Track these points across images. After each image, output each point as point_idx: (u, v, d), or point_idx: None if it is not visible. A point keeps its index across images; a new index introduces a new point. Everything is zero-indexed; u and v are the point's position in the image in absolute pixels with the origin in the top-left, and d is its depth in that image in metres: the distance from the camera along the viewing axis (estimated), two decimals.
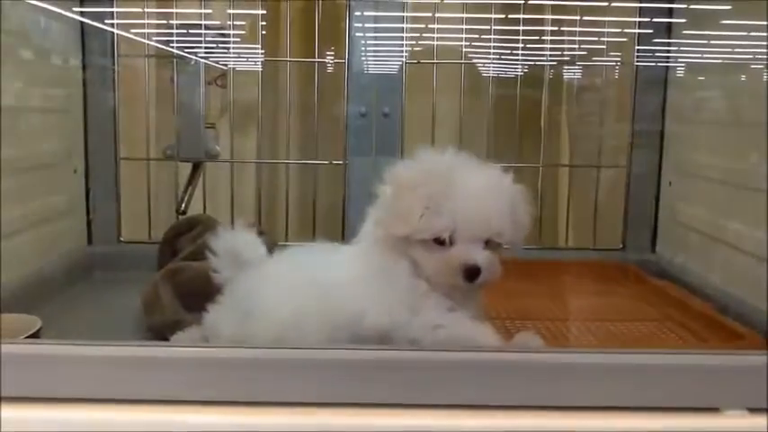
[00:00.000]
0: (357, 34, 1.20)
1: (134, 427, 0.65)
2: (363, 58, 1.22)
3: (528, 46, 1.29)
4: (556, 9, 1.33)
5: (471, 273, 0.74)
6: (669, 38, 1.25)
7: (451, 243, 0.74)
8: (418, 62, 1.26)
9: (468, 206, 0.74)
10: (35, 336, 0.83)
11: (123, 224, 1.31)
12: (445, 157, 0.78)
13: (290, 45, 1.33)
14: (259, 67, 1.32)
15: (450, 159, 0.78)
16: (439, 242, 0.75)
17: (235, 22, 1.27)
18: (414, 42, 1.25)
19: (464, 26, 1.25)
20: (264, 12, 1.30)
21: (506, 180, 0.78)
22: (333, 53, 1.31)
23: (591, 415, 0.65)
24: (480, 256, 0.74)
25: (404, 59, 1.22)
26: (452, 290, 0.76)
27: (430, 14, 1.23)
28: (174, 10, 1.24)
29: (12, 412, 0.64)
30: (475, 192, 0.75)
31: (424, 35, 1.25)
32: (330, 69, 1.32)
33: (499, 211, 0.75)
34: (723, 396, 0.65)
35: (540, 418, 0.65)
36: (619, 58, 1.31)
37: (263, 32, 1.31)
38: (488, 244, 0.75)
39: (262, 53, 1.31)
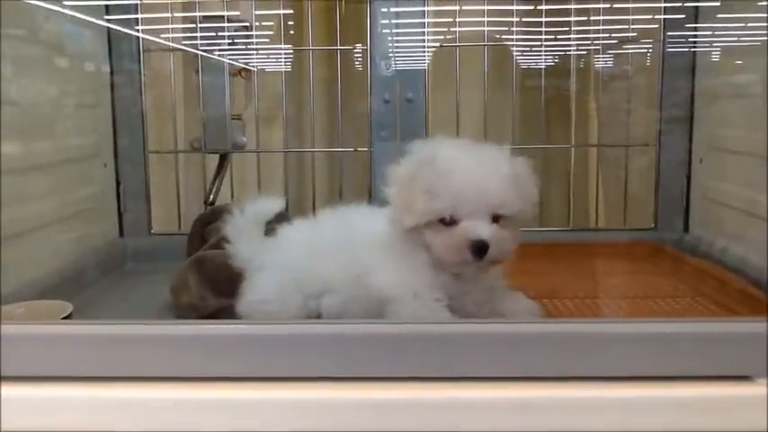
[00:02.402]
0: (381, 21, 1.20)
1: (160, 404, 0.66)
2: (386, 45, 1.22)
3: (556, 36, 1.27)
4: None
5: (478, 248, 0.75)
6: (696, 22, 1.23)
7: (457, 222, 0.76)
8: (441, 46, 1.25)
9: (464, 183, 0.75)
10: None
11: (153, 216, 1.33)
12: (435, 143, 0.80)
13: (312, 35, 1.33)
14: (283, 67, 1.33)
15: (441, 144, 0.80)
16: (446, 223, 0.76)
17: (261, 23, 1.28)
18: (437, 30, 1.24)
19: (486, 7, 1.24)
20: (291, 11, 1.31)
21: (504, 155, 0.78)
22: (355, 44, 1.31)
23: (621, 385, 0.64)
24: (486, 232, 0.75)
25: (425, 44, 1.21)
26: (465, 272, 0.78)
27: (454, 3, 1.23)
28: (198, 13, 1.25)
29: (38, 391, 0.66)
30: (469, 169, 0.76)
31: (447, 21, 1.24)
32: (356, 57, 1.32)
33: (497, 185, 0.76)
34: (754, 365, 0.63)
35: (561, 389, 0.64)
36: (649, 44, 1.29)
37: (291, 32, 1.32)
38: (498, 221, 0.76)
39: (286, 49, 1.32)
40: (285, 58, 1.34)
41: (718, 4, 1.20)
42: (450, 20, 1.24)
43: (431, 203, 0.75)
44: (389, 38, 1.20)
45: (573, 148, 1.41)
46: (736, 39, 1.16)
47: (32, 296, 0.94)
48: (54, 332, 0.68)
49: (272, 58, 1.34)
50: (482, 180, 0.76)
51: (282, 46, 1.33)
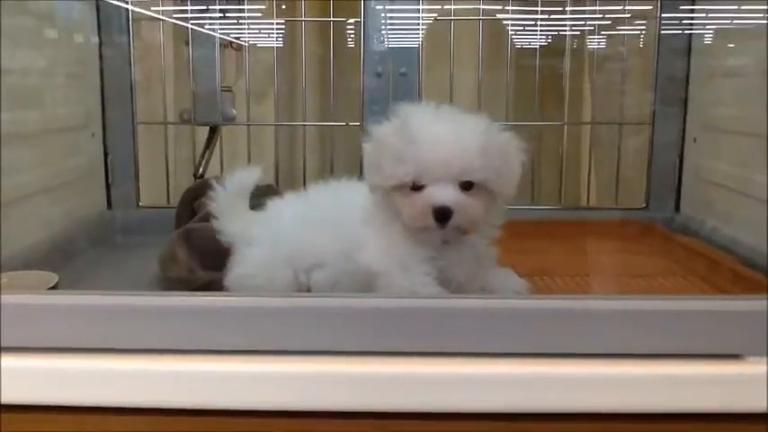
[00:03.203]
0: None
1: (148, 376, 0.65)
2: (380, 17, 1.20)
3: (550, 15, 1.26)
4: None
5: (440, 214, 0.74)
6: (693, 3, 1.22)
7: (423, 188, 0.75)
8: (435, 19, 1.24)
9: (429, 149, 0.75)
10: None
11: (142, 189, 1.31)
12: (414, 109, 0.79)
13: (305, 7, 1.31)
14: (275, 42, 1.32)
15: (417, 109, 0.79)
16: (414, 188, 0.75)
17: None
18: (431, 7, 1.23)
19: None
20: None
21: (480, 125, 0.77)
22: (348, 17, 1.29)
23: (612, 362, 0.64)
24: (448, 197, 0.74)
25: (420, 17, 1.20)
26: (432, 238, 0.78)
27: None
28: None
29: (24, 361, 0.65)
30: (436, 136, 0.76)
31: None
32: (348, 32, 1.30)
33: (463, 152, 0.74)
34: (745, 343, 0.63)
35: (551, 366, 0.64)
36: (643, 25, 1.28)
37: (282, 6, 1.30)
38: (469, 188, 0.75)
39: (279, 22, 1.30)
40: (277, 32, 1.32)
41: None
42: None
43: (396, 168, 0.75)
44: (382, 11, 1.18)
45: (565, 126, 1.40)
46: (729, 21, 1.16)
47: (17, 268, 0.93)
48: (39, 302, 0.67)
49: (263, 33, 1.32)
50: (448, 147, 0.75)
51: (274, 19, 1.31)
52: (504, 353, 0.65)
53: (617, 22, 1.29)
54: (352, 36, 1.31)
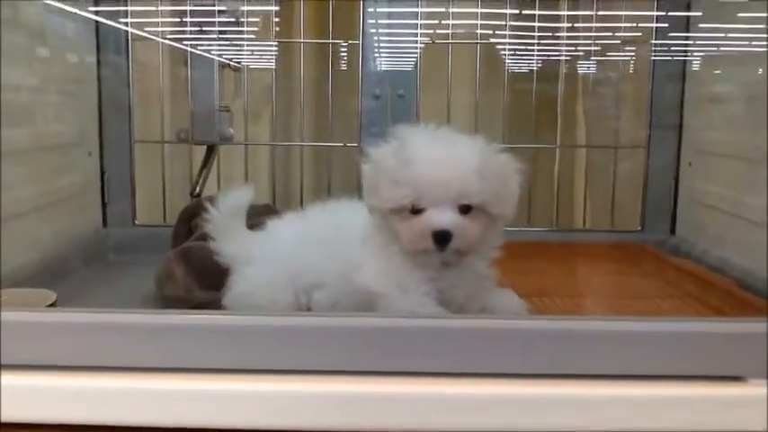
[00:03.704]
0: (370, 21, 1.19)
1: (147, 395, 0.65)
2: (377, 40, 1.21)
3: (539, 42, 1.28)
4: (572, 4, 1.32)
5: (439, 237, 0.74)
6: (687, 31, 1.24)
7: (422, 211, 0.75)
8: (433, 42, 1.25)
9: (426, 173, 0.75)
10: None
11: (138, 207, 1.31)
12: (413, 131, 0.79)
13: (304, 29, 1.32)
14: (273, 63, 1.33)
15: (414, 131, 0.79)
16: (413, 212, 0.75)
17: (248, 19, 1.26)
18: (428, 28, 1.24)
19: (478, 10, 1.24)
20: (277, 8, 1.30)
21: (476, 147, 0.77)
22: (346, 39, 1.30)
23: (614, 383, 0.64)
24: (448, 221, 0.74)
25: (419, 40, 1.21)
26: (431, 260, 0.77)
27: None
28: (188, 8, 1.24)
29: (23, 379, 0.64)
30: (433, 159, 0.76)
31: (440, 13, 1.24)
32: (342, 55, 1.31)
33: (460, 175, 0.74)
34: (748, 365, 0.64)
35: (553, 386, 0.64)
36: (632, 53, 1.30)
37: (277, 28, 1.31)
38: (467, 211, 0.75)
39: (276, 43, 1.31)
40: (274, 53, 1.33)
41: (700, 14, 1.21)
42: (443, 11, 1.24)
43: (394, 191, 0.75)
44: (375, 35, 1.19)
45: (557, 150, 1.42)
46: (718, 48, 1.18)
47: (11, 285, 0.92)
48: (39, 320, 0.67)
49: (259, 54, 1.33)
50: (445, 170, 0.75)
51: (272, 41, 1.32)
52: (505, 373, 0.65)
53: (609, 48, 1.31)
54: (345, 59, 1.32)
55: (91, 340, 0.65)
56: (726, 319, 0.86)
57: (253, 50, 1.32)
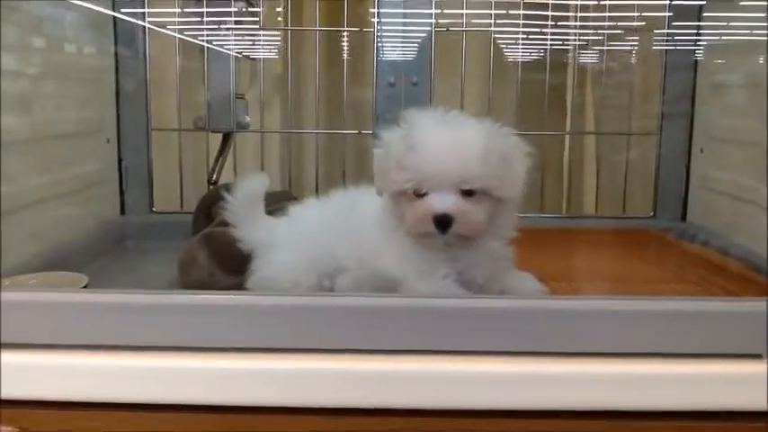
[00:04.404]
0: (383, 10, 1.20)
1: (175, 373, 0.67)
2: (391, 27, 1.22)
3: (545, 29, 1.29)
4: None
5: (440, 221, 0.76)
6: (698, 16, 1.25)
7: (426, 194, 0.77)
8: (447, 29, 1.26)
9: (430, 157, 0.76)
10: None
11: (155, 194, 1.33)
12: (420, 116, 0.80)
13: (315, 18, 1.33)
14: (283, 54, 1.34)
15: (422, 116, 0.80)
16: (418, 195, 0.77)
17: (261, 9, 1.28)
18: (441, 13, 1.25)
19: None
20: None
21: (482, 131, 0.78)
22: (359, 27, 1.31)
23: (637, 361, 0.66)
24: (449, 205, 0.75)
25: (432, 27, 1.22)
26: (434, 243, 0.78)
27: None
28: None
29: (51, 358, 0.66)
30: (437, 143, 0.77)
31: (442, 8, 1.25)
32: (346, 40, 1.32)
33: (463, 159, 0.76)
34: (765, 343, 0.65)
35: (570, 365, 0.66)
36: (635, 41, 1.32)
37: (279, 18, 1.33)
38: (471, 195, 0.76)
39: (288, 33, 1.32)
40: (280, 43, 1.34)
41: (704, 2, 1.22)
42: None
43: (399, 175, 0.77)
44: (388, 23, 1.20)
45: (567, 137, 1.43)
46: (717, 37, 1.19)
47: (32, 270, 0.94)
48: (82, 300, 0.69)
49: (269, 43, 1.33)
50: (447, 155, 0.76)
51: (286, 29, 1.33)
52: (531, 351, 0.67)
53: (619, 36, 1.32)
54: (350, 47, 1.34)
55: (130, 320, 0.67)
56: (744, 298, 0.87)
57: (265, 40, 1.33)
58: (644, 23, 1.28)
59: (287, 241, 0.90)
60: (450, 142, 0.77)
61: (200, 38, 1.25)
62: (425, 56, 1.23)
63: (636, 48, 1.33)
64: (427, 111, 0.82)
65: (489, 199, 0.78)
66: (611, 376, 0.66)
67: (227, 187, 1.12)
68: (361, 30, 1.29)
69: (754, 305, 0.66)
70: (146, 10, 1.25)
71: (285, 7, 1.33)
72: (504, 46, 1.34)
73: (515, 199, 0.81)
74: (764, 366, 0.64)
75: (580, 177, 1.46)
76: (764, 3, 1.05)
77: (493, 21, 1.27)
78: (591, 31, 1.32)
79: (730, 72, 1.20)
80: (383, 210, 0.83)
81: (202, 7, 1.23)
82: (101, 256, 1.18)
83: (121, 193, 1.31)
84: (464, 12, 1.26)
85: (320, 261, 0.87)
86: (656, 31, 1.29)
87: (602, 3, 1.27)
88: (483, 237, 0.80)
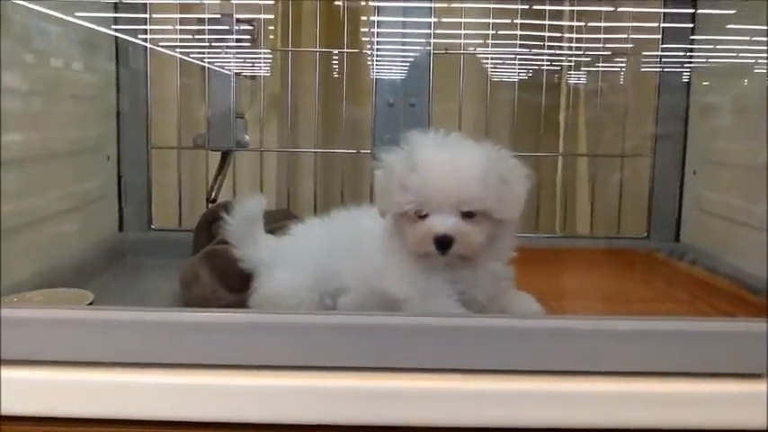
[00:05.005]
0: (379, 30, 1.22)
1: (178, 390, 0.68)
2: (389, 47, 1.23)
3: (530, 50, 1.31)
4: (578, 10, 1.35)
5: (441, 242, 0.77)
6: (690, 38, 1.26)
7: (427, 215, 0.78)
8: (446, 51, 1.28)
9: (431, 179, 0.77)
10: None
11: (154, 212, 1.33)
12: (422, 138, 0.81)
13: (307, 39, 1.34)
14: (278, 74, 1.34)
15: (423, 138, 0.81)
16: (419, 216, 0.78)
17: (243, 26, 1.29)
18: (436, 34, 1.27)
19: (491, 20, 1.27)
20: (272, 16, 1.33)
21: (482, 153, 0.79)
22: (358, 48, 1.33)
23: (636, 380, 0.67)
24: (450, 226, 0.77)
25: (431, 49, 1.23)
26: (436, 264, 0.79)
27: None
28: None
29: (57, 375, 0.67)
30: (438, 165, 0.78)
31: (429, 30, 1.27)
32: (334, 64, 1.35)
33: (463, 181, 0.77)
34: (765, 362, 0.66)
35: (570, 384, 0.67)
36: (623, 63, 1.34)
37: (271, 36, 1.34)
38: (472, 216, 0.78)
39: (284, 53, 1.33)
40: (271, 62, 1.35)
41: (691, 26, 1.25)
42: (455, 21, 1.27)
43: (401, 196, 0.78)
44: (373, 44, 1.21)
45: (560, 158, 1.45)
46: (702, 60, 1.22)
47: (33, 288, 0.94)
48: (88, 317, 0.69)
49: (265, 63, 1.35)
50: (447, 177, 0.77)
51: (285, 49, 1.34)
52: (527, 371, 0.68)
53: (611, 57, 1.34)
54: (336, 67, 1.36)
55: (135, 337, 0.68)
56: (745, 318, 0.89)
57: (259, 59, 1.34)
58: (633, 45, 1.30)
59: (289, 260, 0.91)
60: (451, 164, 0.78)
61: (200, 57, 1.26)
62: (423, 77, 1.25)
63: (627, 69, 1.35)
64: (428, 132, 0.83)
65: (489, 220, 0.79)
66: (612, 395, 0.67)
67: (227, 205, 1.13)
68: (361, 51, 1.31)
69: (754, 325, 0.67)
70: (147, 26, 1.26)
71: (283, 27, 1.35)
72: (499, 67, 1.36)
73: (515, 220, 0.82)
74: (765, 386, 0.65)
75: (573, 198, 1.48)
76: (752, 27, 1.07)
77: (491, 42, 1.29)
78: (583, 53, 1.34)
79: (721, 94, 1.23)
80: (385, 230, 0.84)
81: (203, 26, 1.24)
82: (100, 272, 1.18)
83: (120, 210, 1.31)
84: (462, 32, 1.27)
85: (322, 280, 0.88)
86: (648, 53, 1.31)
87: (596, 25, 1.29)
88: (483, 257, 0.81)
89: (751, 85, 1.12)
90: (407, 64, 1.24)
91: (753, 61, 1.10)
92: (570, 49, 1.34)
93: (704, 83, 1.27)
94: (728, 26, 1.16)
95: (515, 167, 0.81)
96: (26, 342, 0.67)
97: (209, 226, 1.14)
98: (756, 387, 0.66)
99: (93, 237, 1.22)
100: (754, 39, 1.08)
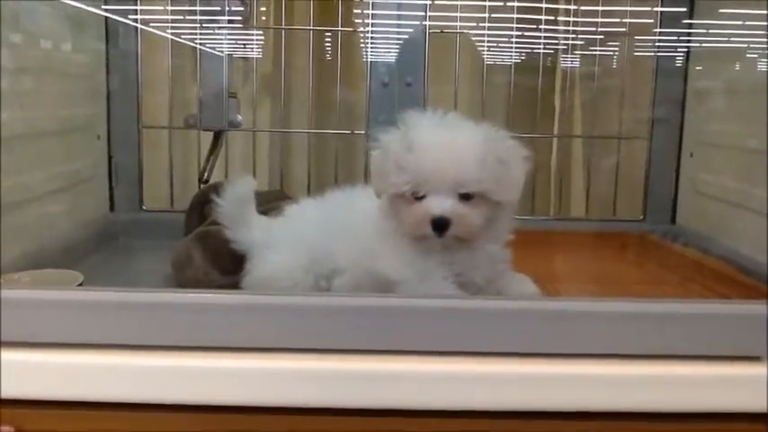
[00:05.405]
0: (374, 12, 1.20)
1: (172, 372, 0.67)
2: (384, 29, 1.22)
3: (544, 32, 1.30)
4: None
5: (437, 224, 0.76)
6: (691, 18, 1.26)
7: (424, 197, 0.77)
8: (441, 31, 1.26)
9: (428, 160, 0.76)
10: None
11: (145, 192, 1.31)
12: (420, 118, 0.80)
13: (312, 17, 1.33)
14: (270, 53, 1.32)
15: (420, 118, 0.80)
16: (416, 197, 0.77)
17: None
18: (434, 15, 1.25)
19: (488, 3, 1.26)
20: None
21: (480, 135, 0.78)
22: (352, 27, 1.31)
23: (635, 362, 0.66)
24: (447, 207, 0.76)
25: (426, 28, 1.22)
26: (432, 245, 0.79)
27: None
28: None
29: (47, 356, 0.66)
30: (435, 146, 0.77)
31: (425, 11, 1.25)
32: (327, 45, 1.33)
33: (461, 163, 0.76)
34: (765, 345, 0.66)
35: (569, 366, 0.67)
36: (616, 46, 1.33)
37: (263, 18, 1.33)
38: (469, 198, 0.77)
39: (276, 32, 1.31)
40: (263, 41, 1.34)
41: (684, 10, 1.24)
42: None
43: (397, 177, 0.77)
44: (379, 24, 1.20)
45: (555, 140, 1.45)
46: (699, 44, 1.21)
47: (23, 268, 0.92)
48: (77, 298, 0.68)
49: (256, 43, 1.33)
50: (445, 158, 0.76)
51: (282, 26, 1.32)
52: (526, 353, 0.67)
53: (609, 39, 1.33)
54: (330, 48, 1.34)
55: (126, 318, 0.67)
56: (744, 300, 0.88)
57: (255, 41, 1.32)
58: (624, 30, 1.29)
59: (283, 241, 0.90)
60: (448, 145, 0.77)
61: (191, 37, 1.24)
62: (418, 56, 1.23)
63: (624, 52, 1.34)
64: (425, 113, 0.82)
65: (487, 202, 0.78)
66: (610, 378, 0.66)
67: (218, 186, 1.12)
68: (355, 30, 1.29)
69: (754, 307, 0.67)
70: (138, 7, 1.24)
71: (275, 7, 1.33)
72: (494, 49, 1.35)
73: (513, 202, 0.81)
74: (764, 368, 0.65)
75: (568, 180, 1.47)
76: (746, 11, 1.06)
77: (487, 24, 1.28)
78: (580, 35, 1.33)
79: (717, 78, 1.22)
80: (381, 211, 0.83)
81: (194, 6, 1.23)
82: (91, 253, 1.16)
83: (111, 190, 1.29)
84: (458, 15, 1.26)
85: (317, 261, 0.87)
86: (645, 37, 1.30)
87: (593, 8, 1.28)
88: (481, 240, 0.81)
89: (743, 67, 1.11)
90: (402, 44, 1.23)
91: (743, 45, 1.10)
92: (568, 31, 1.32)
93: (700, 66, 1.26)
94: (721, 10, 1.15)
95: (514, 149, 0.80)
96: (14, 323, 0.66)
97: (202, 207, 1.13)
98: (756, 370, 0.65)
99: (84, 217, 1.21)
100: (746, 23, 1.08)
